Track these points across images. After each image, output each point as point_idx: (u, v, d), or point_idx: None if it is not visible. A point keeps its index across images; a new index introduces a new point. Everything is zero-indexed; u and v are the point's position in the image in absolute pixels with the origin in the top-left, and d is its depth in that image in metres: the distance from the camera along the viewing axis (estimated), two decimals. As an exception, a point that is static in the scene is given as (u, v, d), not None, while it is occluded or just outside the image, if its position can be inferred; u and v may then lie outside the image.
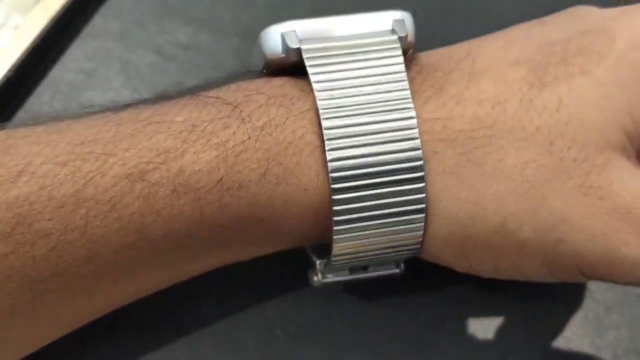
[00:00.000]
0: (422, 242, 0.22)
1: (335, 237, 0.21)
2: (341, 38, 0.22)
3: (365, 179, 0.21)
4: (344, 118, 0.21)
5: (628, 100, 0.21)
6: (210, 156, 0.20)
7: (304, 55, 0.22)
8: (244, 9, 0.35)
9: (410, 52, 0.23)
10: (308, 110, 0.21)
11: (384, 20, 0.23)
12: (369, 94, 0.21)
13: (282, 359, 0.26)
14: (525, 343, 0.27)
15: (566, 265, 0.21)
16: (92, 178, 0.19)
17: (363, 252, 0.22)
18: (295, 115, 0.21)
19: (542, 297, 0.28)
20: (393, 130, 0.21)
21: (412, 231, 0.22)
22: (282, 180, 0.21)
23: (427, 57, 0.24)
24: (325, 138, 0.21)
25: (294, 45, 0.22)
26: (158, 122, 0.21)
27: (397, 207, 0.21)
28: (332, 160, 0.21)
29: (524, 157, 0.21)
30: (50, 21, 0.32)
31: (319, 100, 0.21)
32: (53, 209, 0.19)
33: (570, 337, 0.27)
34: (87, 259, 0.20)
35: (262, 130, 0.21)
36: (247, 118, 0.21)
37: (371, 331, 0.26)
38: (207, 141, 0.20)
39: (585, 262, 0.21)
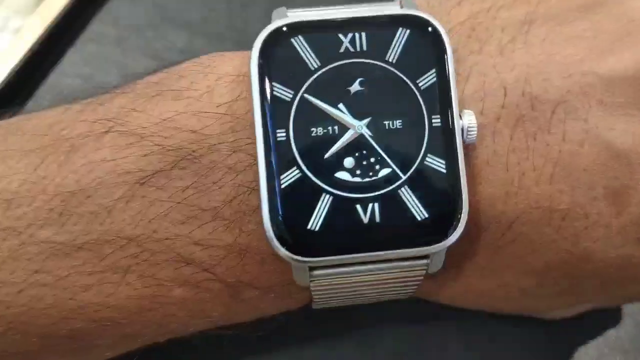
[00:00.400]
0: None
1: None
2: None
3: None
4: None
5: None
6: None
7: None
8: (238, 14, 0.35)
9: None
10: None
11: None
12: None
13: (275, 355, 0.26)
14: (511, 340, 0.27)
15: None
16: None
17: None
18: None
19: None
20: None
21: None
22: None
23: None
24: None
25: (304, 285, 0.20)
26: None
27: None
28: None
29: None
30: (49, 27, 0.33)
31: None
32: None
33: (557, 334, 0.27)
34: None
35: None
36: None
37: (362, 328, 0.27)
38: None
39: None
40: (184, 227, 0.19)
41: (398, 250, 0.19)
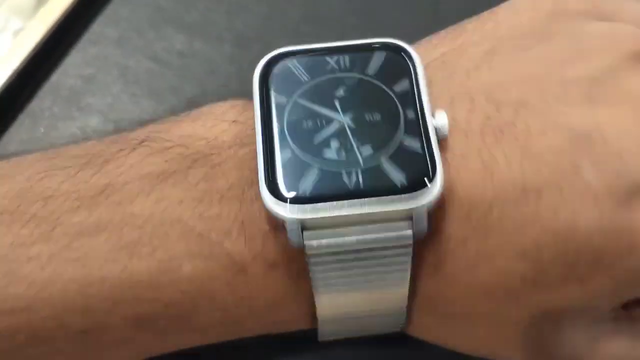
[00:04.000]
0: None
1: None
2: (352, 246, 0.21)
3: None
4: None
5: None
6: None
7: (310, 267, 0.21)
8: (237, 16, 0.36)
9: None
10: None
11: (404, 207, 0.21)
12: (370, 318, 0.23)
13: (272, 355, 0.27)
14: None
15: None
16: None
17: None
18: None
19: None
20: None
21: None
22: None
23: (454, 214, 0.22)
24: None
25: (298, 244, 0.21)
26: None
27: None
28: None
29: None
30: (50, 28, 0.33)
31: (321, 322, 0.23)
32: None
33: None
34: None
35: None
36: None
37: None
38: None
39: None
40: (195, 209, 0.22)
41: (380, 207, 0.20)
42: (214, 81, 0.34)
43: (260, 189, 0.20)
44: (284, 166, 0.21)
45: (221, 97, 0.33)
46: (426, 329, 0.24)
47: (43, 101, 0.33)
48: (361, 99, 0.22)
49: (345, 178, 0.21)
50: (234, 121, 0.23)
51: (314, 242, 0.21)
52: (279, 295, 0.22)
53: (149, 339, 0.23)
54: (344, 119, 0.22)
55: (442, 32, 0.25)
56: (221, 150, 0.23)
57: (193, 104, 0.33)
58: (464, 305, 0.23)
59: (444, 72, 0.23)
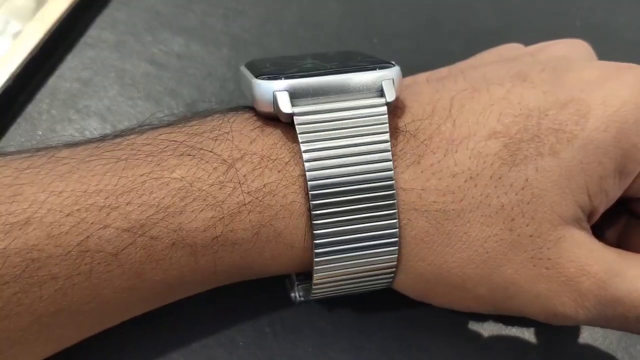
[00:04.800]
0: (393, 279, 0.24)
1: (315, 275, 0.23)
2: (331, 110, 0.23)
3: (344, 245, 0.23)
4: (330, 187, 0.22)
5: (587, 179, 0.23)
6: (208, 216, 0.22)
7: (296, 126, 0.23)
8: (234, 19, 0.36)
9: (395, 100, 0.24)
10: (298, 176, 0.23)
11: (374, 80, 0.24)
12: (355, 165, 0.23)
13: (270, 355, 0.27)
14: (500, 338, 0.28)
15: (514, 312, 0.25)
16: (96, 230, 0.21)
17: (341, 282, 0.24)
18: (287, 181, 0.23)
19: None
20: (376, 200, 0.23)
21: (385, 269, 0.24)
22: (272, 239, 0.23)
23: (411, 109, 0.25)
24: (312, 207, 0.22)
25: (287, 111, 0.23)
26: (157, 179, 0.22)
27: (371, 264, 0.24)
28: (317, 227, 0.22)
29: (487, 232, 0.23)
30: (48, 32, 0.33)
31: (309, 171, 0.22)
32: (60, 256, 0.21)
33: (545, 333, 0.28)
34: (90, 298, 0.22)
35: (256, 194, 0.22)
36: (243, 179, 0.22)
37: (353, 328, 0.28)
38: (204, 200, 0.22)
39: (529, 313, 0.24)
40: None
41: (355, 75, 0.23)
42: (211, 84, 0.34)
43: (254, 90, 0.23)
44: (271, 78, 0.23)
45: (218, 99, 0.34)
46: (421, 241, 0.24)
47: (41, 104, 0.33)
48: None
49: (325, 66, 0.24)
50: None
51: (303, 109, 0.23)
52: (271, 179, 0.23)
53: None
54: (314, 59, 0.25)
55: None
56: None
57: (190, 106, 0.33)
58: (454, 195, 0.23)
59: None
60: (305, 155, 0.22)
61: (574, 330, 0.28)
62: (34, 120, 0.32)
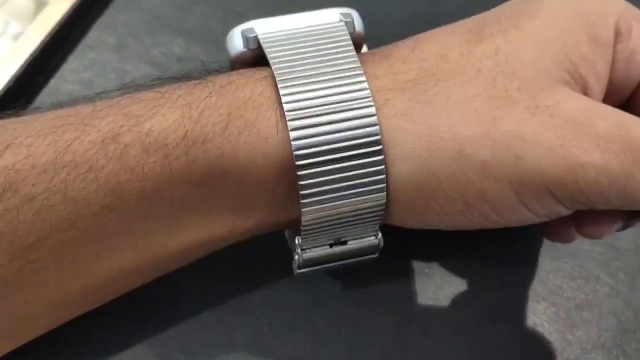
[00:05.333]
0: (388, 192, 0.23)
1: (302, 192, 0.23)
2: (295, 29, 0.24)
3: (323, 141, 0.22)
4: (299, 85, 0.23)
5: (563, 44, 0.23)
6: (176, 115, 0.22)
7: (262, 43, 0.24)
8: (234, 21, 0.36)
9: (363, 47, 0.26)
10: (266, 76, 0.23)
11: (333, 14, 0.25)
12: (322, 64, 0.23)
13: (268, 353, 0.27)
14: (495, 337, 0.28)
15: (532, 185, 0.22)
16: (70, 144, 0.21)
17: (332, 215, 0.23)
18: (255, 80, 0.23)
19: (512, 292, 0.29)
20: (347, 101, 0.23)
21: (376, 184, 0.23)
22: (244, 130, 0.22)
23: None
24: (282, 93, 0.22)
25: (252, 35, 0.24)
26: (132, 98, 0.23)
27: (357, 169, 0.23)
28: (289, 110, 0.22)
29: (471, 92, 0.22)
30: (49, 34, 0.34)
31: (277, 71, 0.23)
32: (36, 175, 0.21)
33: (541, 332, 0.28)
34: (69, 222, 0.21)
35: (222, 88, 0.23)
36: (210, 82, 0.23)
37: (352, 327, 0.28)
38: (174, 103, 0.22)
39: (550, 178, 0.21)
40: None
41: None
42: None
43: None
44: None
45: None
46: (403, 116, 0.23)
47: (42, 105, 0.33)
48: None
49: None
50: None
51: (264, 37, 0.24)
52: (240, 80, 0.24)
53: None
54: None
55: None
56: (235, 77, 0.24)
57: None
58: (427, 72, 0.23)
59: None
60: (271, 55, 0.23)
61: (570, 328, 0.28)
62: (35, 122, 0.33)
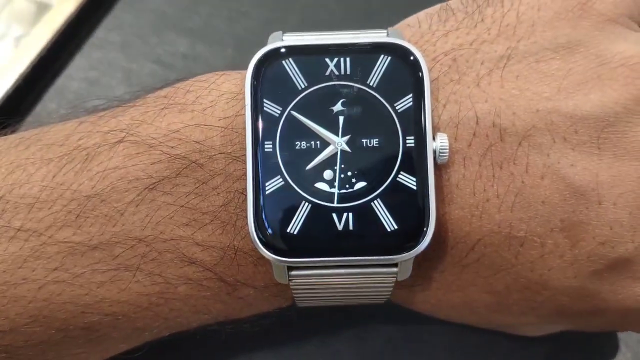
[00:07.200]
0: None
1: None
2: None
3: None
4: None
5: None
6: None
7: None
8: (238, 21, 0.36)
9: None
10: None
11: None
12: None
13: (275, 346, 0.27)
14: (495, 337, 0.28)
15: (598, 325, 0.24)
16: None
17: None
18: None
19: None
20: None
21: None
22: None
23: None
24: None
25: None
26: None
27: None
28: None
29: None
30: (56, 33, 0.34)
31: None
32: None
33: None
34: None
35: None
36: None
37: (358, 320, 0.28)
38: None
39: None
40: (187, 229, 0.21)
41: (368, 257, 0.20)
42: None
43: (249, 227, 0.20)
44: (273, 197, 0.20)
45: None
46: (402, 301, 0.25)
47: (49, 104, 0.33)
48: (360, 116, 0.21)
49: (335, 219, 0.20)
50: (226, 119, 0.21)
51: (300, 281, 0.21)
52: (264, 306, 0.24)
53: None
54: (340, 141, 0.21)
55: (457, 14, 0.23)
56: (210, 161, 0.21)
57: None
58: (434, 312, 0.24)
59: (453, 74, 0.22)
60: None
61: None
62: (42, 120, 0.33)
